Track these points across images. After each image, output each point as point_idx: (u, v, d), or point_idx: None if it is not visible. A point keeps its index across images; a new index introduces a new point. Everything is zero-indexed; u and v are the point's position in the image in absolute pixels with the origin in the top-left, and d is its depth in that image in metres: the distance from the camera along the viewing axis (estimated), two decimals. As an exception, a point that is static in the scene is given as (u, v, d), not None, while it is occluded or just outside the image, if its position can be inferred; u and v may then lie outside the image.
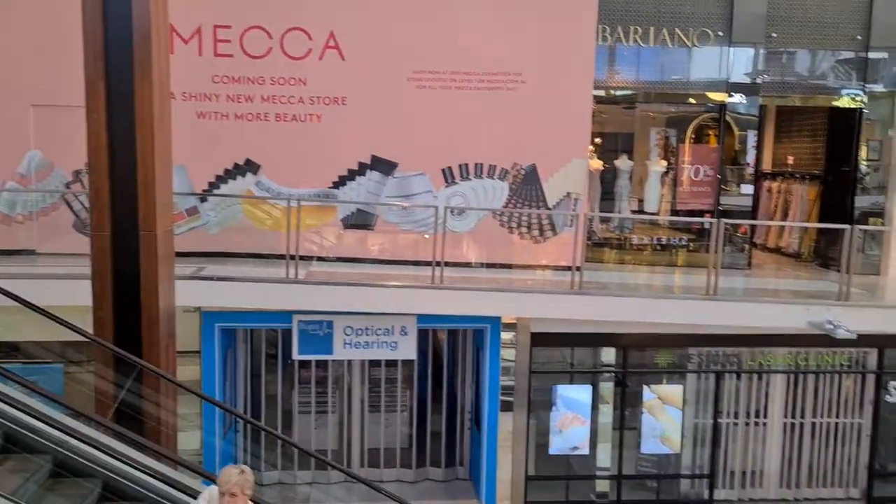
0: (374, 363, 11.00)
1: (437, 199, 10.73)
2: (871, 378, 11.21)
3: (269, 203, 10.63)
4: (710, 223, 10.65)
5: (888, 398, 11.29)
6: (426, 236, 10.41)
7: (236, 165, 10.61)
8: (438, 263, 9.56)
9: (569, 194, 11.39)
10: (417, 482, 11.12)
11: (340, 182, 10.75)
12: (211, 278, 9.26)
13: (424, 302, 9.64)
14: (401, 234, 11.05)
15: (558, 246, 11.14)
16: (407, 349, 10.14)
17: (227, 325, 9.94)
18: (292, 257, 9.32)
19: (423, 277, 9.67)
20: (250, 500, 4.81)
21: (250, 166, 10.63)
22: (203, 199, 10.59)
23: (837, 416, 11.24)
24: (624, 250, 13.18)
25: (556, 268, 11.04)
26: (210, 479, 5.88)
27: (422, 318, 10.07)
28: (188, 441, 9.19)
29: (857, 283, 12.11)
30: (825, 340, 9.97)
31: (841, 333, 9.54)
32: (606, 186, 13.16)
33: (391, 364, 11.06)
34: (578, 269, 10.08)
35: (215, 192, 10.58)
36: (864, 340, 10.66)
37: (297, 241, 9.36)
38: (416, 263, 10.37)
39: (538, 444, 10.79)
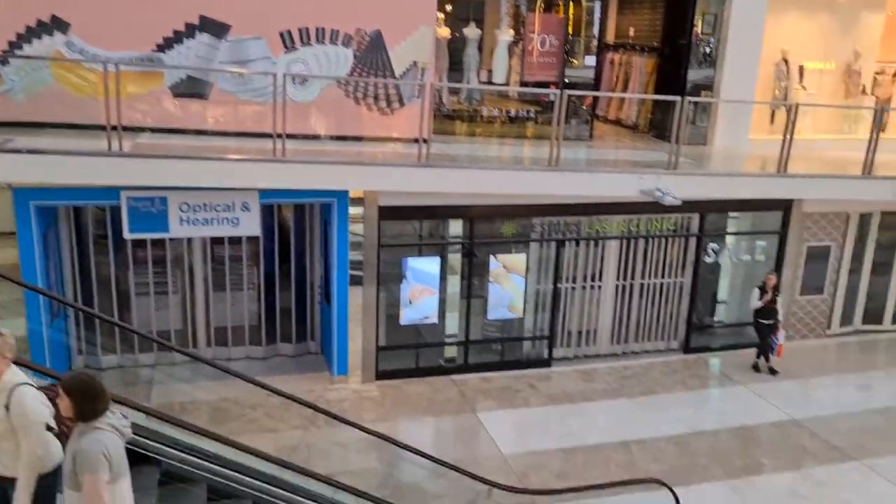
0: (217, 241, 10.54)
1: (276, 65, 10.05)
2: (693, 241, 12.13)
3: (84, 67, 9.51)
4: (554, 95, 10.74)
5: (707, 259, 12.34)
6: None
7: (40, 23, 9.33)
8: (280, 135, 9.07)
9: (416, 63, 11.05)
10: (268, 358, 11.07)
11: (166, 45, 9.77)
12: (20, 151, 8.30)
13: (266, 176, 9.19)
14: (239, 104, 10.34)
15: (406, 118, 10.89)
16: (250, 225, 9.75)
17: (45, 202, 9.06)
18: (114, 128, 8.48)
19: (266, 150, 9.17)
20: (13, 362, 4.61)
21: (58, 24, 9.39)
22: (3, 62, 9.32)
23: (663, 277, 12.17)
24: (474, 123, 13.16)
25: (404, 140, 10.84)
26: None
27: (265, 193, 9.65)
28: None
29: (686, 152, 12.83)
30: (655, 207, 10.62)
31: (668, 200, 10.14)
32: (455, 56, 12.90)
33: (235, 241, 10.64)
34: (426, 141, 9.95)
35: (17, 53, 9.31)
36: (689, 206, 11.46)
37: (118, 110, 8.48)
38: (258, 136, 9.78)
39: (389, 316, 10.96)
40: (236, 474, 6.22)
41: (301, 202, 10.66)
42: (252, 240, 10.60)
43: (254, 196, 9.61)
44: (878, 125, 11.88)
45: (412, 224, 10.99)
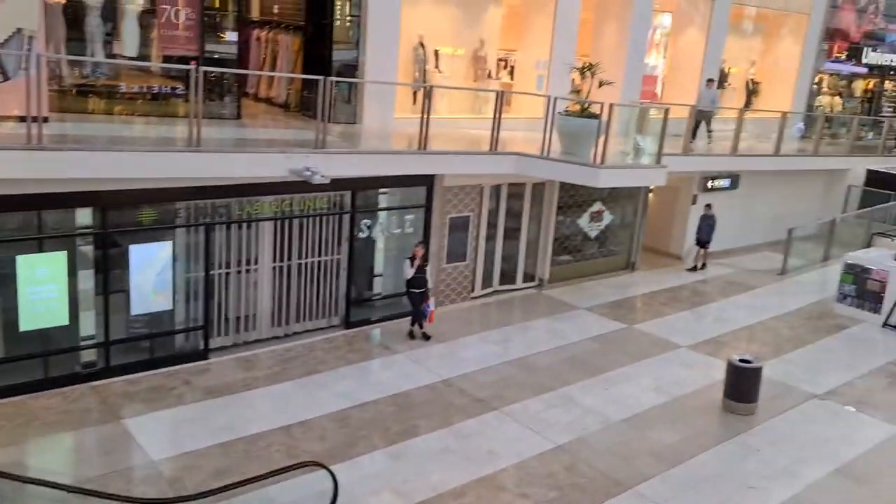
0: None
1: None
2: (346, 218, 12.35)
3: None
4: (190, 71, 10.03)
5: (361, 235, 12.67)
6: None
7: None
8: None
9: (20, 31, 9.53)
10: None
11: None
12: None
13: None
14: None
15: (12, 93, 9.35)
16: None
17: None
18: None
19: None
20: None
21: None
22: None
23: (320, 255, 12.22)
24: (114, 100, 11.84)
25: (15, 118, 9.32)
26: None
27: None
28: None
29: (337, 131, 13.04)
30: (306, 186, 10.54)
31: (317, 179, 10.13)
32: (76, 25, 11.41)
33: None
34: (45, 120, 8.62)
35: None
36: (341, 184, 11.62)
37: None
38: None
39: (6, 323, 9.39)
40: None
41: None
42: None
43: None
44: (500, 107, 13.19)
45: (27, 215, 9.47)
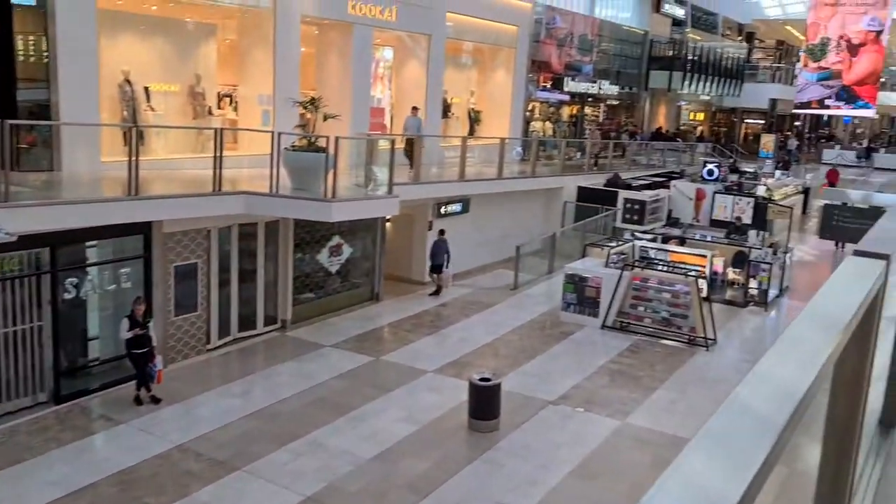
0: None
1: None
2: (46, 278, 10.83)
3: None
4: None
5: (67, 295, 11.19)
6: None
7: None
8: None
9: None
10: None
11: None
12: None
13: None
14: None
15: None
16: None
17: None
18: None
19: None
20: None
21: None
22: None
23: (15, 324, 10.57)
24: None
25: None
26: None
27: None
28: None
29: (31, 180, 11.47)
30: (-14, 247, 9.02)
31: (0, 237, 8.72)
32: None
33: None
34: None
35: None
36: (36, 240, 10.18)
37: None
38: None
39: None
40: None
41: None
42: None
43: None
44: (221, 144, 12.49)
45: None
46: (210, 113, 16.20)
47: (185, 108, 15.87)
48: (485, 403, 11.06)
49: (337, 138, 12.88)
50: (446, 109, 23.22)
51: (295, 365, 13.29)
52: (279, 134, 12.71)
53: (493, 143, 22.27)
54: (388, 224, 18.62)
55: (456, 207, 19.04)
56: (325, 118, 13.35)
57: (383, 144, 15.79)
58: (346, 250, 16.28)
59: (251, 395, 11.95)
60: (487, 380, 11.11)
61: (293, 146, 13.27)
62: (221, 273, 13.64)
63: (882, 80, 45.76)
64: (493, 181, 19.59)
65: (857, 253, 1.70)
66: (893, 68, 60.96)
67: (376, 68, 20.57)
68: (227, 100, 18.38)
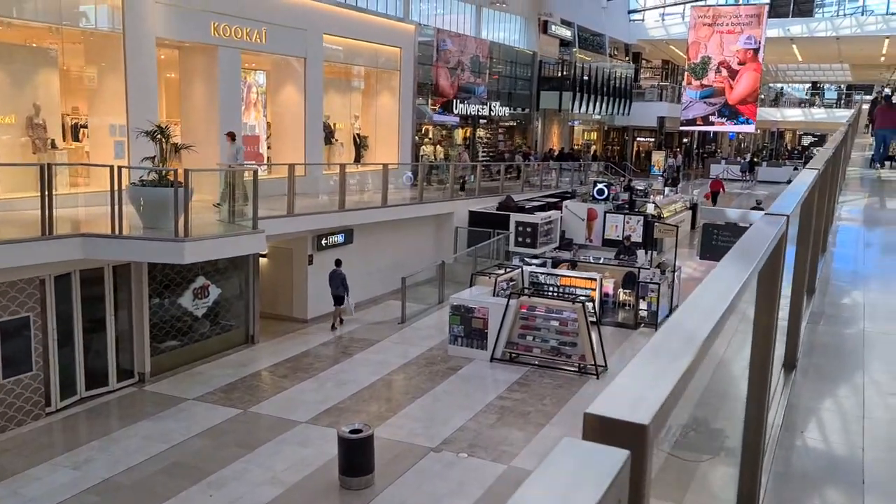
0: None
1: None
2: None
3: None
4: None
5: None
6: None
7: None
8: None
9: None
10: None
11: None
12: None
13: None
14: None
15: None
16: None
17: None
18: None
19: None
20: None
21: None
22: None
23: None
24: None
25: None
26: None
27: None
28: None
29: None
30: None
31: None
32: None
33: None
34: None
35: None
36: None
37: None
38: None
39: None
40: None
41: None
42: None
43: None
44: (49, 181, 11.08)
45: None
46: (54, 146, 14.61)
47: (25, 141, 14.24)
48: (356, 458, 10.02)
49: (187, 171, 11.68)
50: (329, 135, 22.21)
51: (150, 424, 11.88)
52: (118, 168, 11.41)
53: (389, 169, 21.54)
54: (266, 259, 17.43)
55: (338, 238, 18.01)
56: (178, 149, 12.15)
57: (249, 175, 14.60)
58: (214, 291, 14.96)
59: (92, 466, 10.47)
60: (359, 431, 10.09)
61: (141, 180, 11.99)
62: (62, 325, 12.12)
63: (761, 96, 47.86)
64: (377, 209, 18.69)
65: (766, 214, 2.37)
66: (770, 85, 64.13)
67: (248, 93, 19.39)
68: (84, 131, 16.77)
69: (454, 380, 13.93)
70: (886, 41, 41.09)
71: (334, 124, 22.66)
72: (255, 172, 13.45)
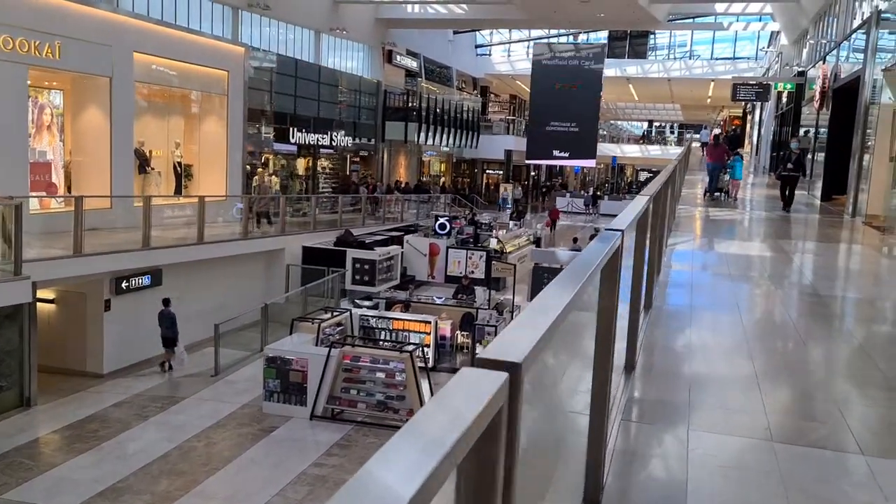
0: None
1: None
2: None
3: None
4: None
5: None
6: None
7: None
8: None
9: None
10: None
11: None
12: None
13: None
14: None
15: None
16: None
17: None
18: None
19: None
20: None
21: None
22: None
23: None
24: None
25: None
26: None
27: None
28: None
29: None
30: None
31: None
32: None
33: None
34: None
35: None
36: None
37: None
38: None
39: None
40: None
41: None
42: None
43: None
44: None
45: None
46: None
47: None
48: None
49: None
50: (145, 163, 19.96)
51: None
52: None
53: (216, 201, 19.66)
54: (53, 305, 15.08)
55: (144, 280, 15.90)
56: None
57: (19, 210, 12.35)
58: (-26, 348, 12.51)
59: None
60: (126, 526, 8.28)
61: None
62: None
63: (602, 132, 49.61)
64: (190, 247, 16.75)
65: (607, 229, 2.76)
66: (611, 122, 67.15)
67: (40, 115, 16.93)
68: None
69: (266, 443, 12.26)
70: (712, 84, 43.86)
71: (150, 151, 20.42)
72: (19, 206, 11.30)
